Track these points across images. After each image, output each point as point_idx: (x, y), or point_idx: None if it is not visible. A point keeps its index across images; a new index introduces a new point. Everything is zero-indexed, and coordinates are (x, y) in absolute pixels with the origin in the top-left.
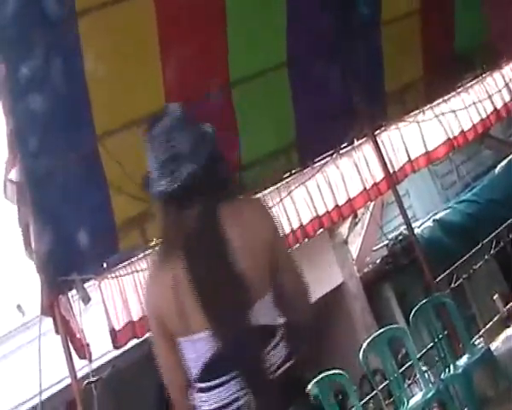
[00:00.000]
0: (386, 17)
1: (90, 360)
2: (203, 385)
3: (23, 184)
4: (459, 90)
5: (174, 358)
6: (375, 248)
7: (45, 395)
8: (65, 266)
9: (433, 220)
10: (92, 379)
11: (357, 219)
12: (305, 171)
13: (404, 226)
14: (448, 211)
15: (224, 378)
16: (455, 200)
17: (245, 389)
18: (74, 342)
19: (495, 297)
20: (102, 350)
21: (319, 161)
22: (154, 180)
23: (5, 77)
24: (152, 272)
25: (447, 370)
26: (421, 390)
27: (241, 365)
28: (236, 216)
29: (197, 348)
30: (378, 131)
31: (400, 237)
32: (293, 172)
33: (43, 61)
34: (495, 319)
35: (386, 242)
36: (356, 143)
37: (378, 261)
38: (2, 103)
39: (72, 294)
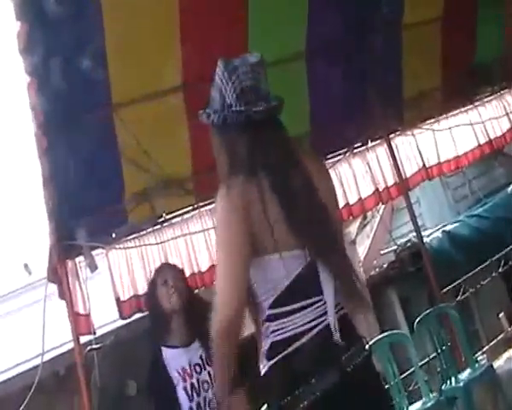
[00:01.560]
0: (407, 21)
1: (94, 333)
2: (283, 309)
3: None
4: (476, 103)
5: (245, 280)
6: (382, 252)
7: (47, 357)
8: (74, 231)
9: (443, 232)
10: (94, 346)
11: (366, 221)
12: None
13: (413, 234)
14: (458, 224)
15: (305, 302)
16: (465, 214)
17: (325, 315)
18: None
19: (500, 316)
20: (106, 320)
21: (332, 157)
22: (236, 109)
23: (28, 39)
24: (236, 191)
25: (448, 382)
26: (421, 398)
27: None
28: (309, 162)
29: (284, 267)
30: (393, 135)
31: (409, 244)
32: None
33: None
34: (499, 337)
35: (394, 247)
36: (370, 144)
37: (385, 266)
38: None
39: (80, 260)
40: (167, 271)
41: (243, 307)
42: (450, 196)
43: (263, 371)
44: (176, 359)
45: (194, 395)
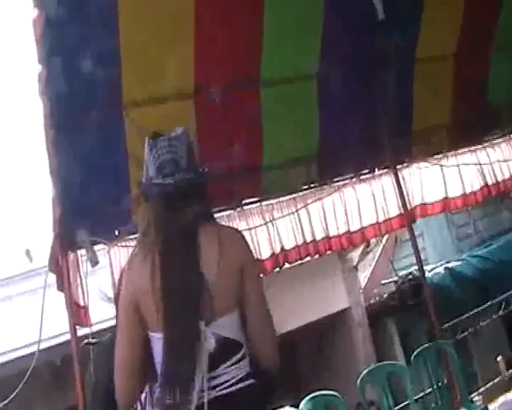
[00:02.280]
0: (420, 55)
1: (90, 326)
2: (164, 380)
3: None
4: (485, 144)
5: (138, 350)
6: (383, 282)
7: (44, 345)
8: (77, 225)
9: (445, 268)
10: (91, 341)
11: (368, 249)
12: (323, 187)
13: (415, 267)
14: (460, 262)
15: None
16: (468, 253)
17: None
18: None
19: (498, 359)
20: (104, 316)
21: (338, 181)
22: (151, 178)
23: (44, 28)
24: (132, 262)
25: None
26: None
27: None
28: (214, 236)
29: (160, 346)
30: (400, 167)
31: (410, 277)
32: (312, 185)
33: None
34: (496, 380)
35: (395, 278)
36: (376, 172)
37: (385, 295)
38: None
39: (81, 253)
40: None
41: (133, 376)
42: (455, 233)
43: None
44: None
45: None
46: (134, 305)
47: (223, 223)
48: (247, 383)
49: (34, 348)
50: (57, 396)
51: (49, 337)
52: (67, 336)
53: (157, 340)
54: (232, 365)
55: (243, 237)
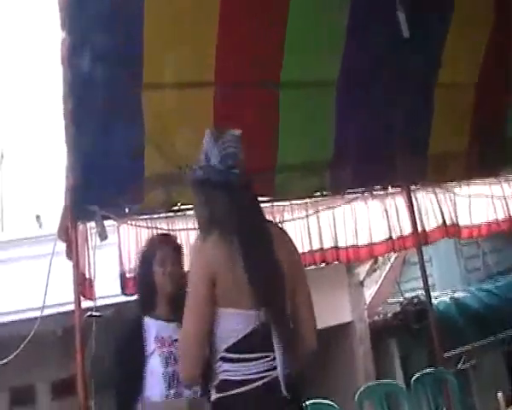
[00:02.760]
0: (442, 79)
1: (94, 298)
2: (235, 356)
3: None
4: (500, 178)
5: (208, 324)
6: (388, 301)
7: (46, 312)
8: (89, 197)
9: (451, 298)
10: (94, 313)
11: (376, 266)
12: (334, 197)
13: (421, 291)
14: (467, 294)
15: (257, 355)
16: (476, 286)
17: (272, 371)
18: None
19: (498, 395)
20: (108, 292)
21: (350, 193)
22: (214, 166)
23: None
24: (203, 242)
25: None
26: None
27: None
28: (277, 231)
29: (241, 322)
30: (413, 188)
31: (416, 300)
32: (324, 193)
33: None
34: None
35: (400, 299)
36: (390, 190)
37: (389, 315)
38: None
39: (91, 226)
40: (167, 251)
41: (203, 351)
42: (463, 264)
43: (212, 399)
44: (156, 328)
45: (171, 362)
46: (210, 280)
47: None
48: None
49: (37, 314)
50: (57, 365)
51: (52, 305)
52: (71, 307)
53: (229, 315)
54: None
55: (290, 236)
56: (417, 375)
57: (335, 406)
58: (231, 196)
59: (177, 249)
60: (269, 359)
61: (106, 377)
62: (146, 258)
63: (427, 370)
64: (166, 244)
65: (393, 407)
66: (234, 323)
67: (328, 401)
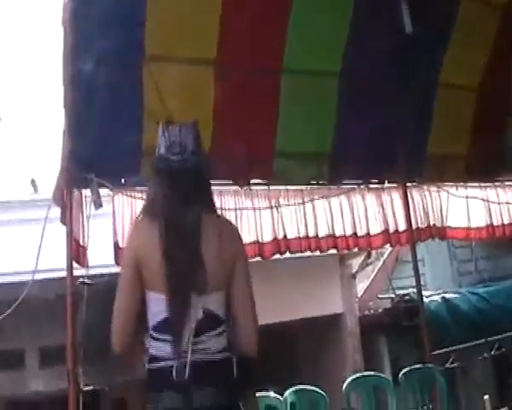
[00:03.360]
0: (444, 79)
1: (87, 266)
2: (157, 335)
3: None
4: (496, 183)
5: (134, 304)
6: (380, 296)
7: (38, 277)
8: (85, 164)
9: (442, 298)
10: (86, 280)
11: (369, 261)
12: (331, 187)
13: (412, 290)
14: (458, 296)
15: (169, 338)
16: (468, 289)
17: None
18: (74, 246)
19: (485, 397)
20: (101, 262)
21: (347, 184)
22: (161, 155)
23: None
24: (137, 223)
25: None
26: None
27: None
28: (215, 223)
29: (158, 305)
30: (409, 185)
31: (407, 298)
32: (321, 182)
33: None
34: None
35: (392, 295)
36: (386, 185)
37: (380, 310)
38: None
39: (86, 194)
40: None
41: (130, 326)
42: (456, 267)
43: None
44: None
45: None
46: (136, 262)
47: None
48: (226, 355)
49: (28, 278)
50: (47, 332)
51: (44, 270)
52: (63, 274)
53: (153, 298)
54: (214, 336)
55: (238, 230)
56: (405, 370)
57: (322, 393)
58: (167, 182)
59: None
60: (185, 343)
61: (95, 345)
62: None
63: (416, 366)
64: None
65: (380, 400)
66: (155, 305)
67: (318, 390)
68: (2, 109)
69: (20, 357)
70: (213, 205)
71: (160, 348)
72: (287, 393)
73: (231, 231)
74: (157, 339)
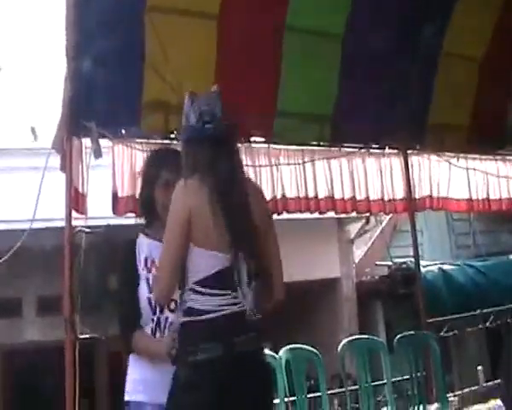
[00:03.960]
0: (448, 48)
1: (86, 214)
2: (202, 289)
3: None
4: (497, 157)
5: (180, 258)
6: (377, 263)
7: (36, 226)
8: (87, 113)
9: (439, 268)
10: (84, 229)
11: (367, 228)
12: (332, 149)
13: (409, 259)
14: (455, 268)
15: (221, 292)
16: (464, 262)
17: (232, 306)
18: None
19: (479, 368)
20: (99, 214)
21: (348, 147)
22: (192, 126)
23: None
24: (188, 184)
25: (415, 408)
26: None
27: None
28: (248, 184)
29: (211, 261)
30: (410, 152)
31: (404, 266)
32: (322, 144)
33: None
34: (473, 388)
35: (389, 263)
36: (386, 150)
37: (377, 277)
38: None
39: (86, 143)
40: (172, 168)
41: (175, 278)
42: (454, 240)
43: (180, 321)
44: (148, 247)
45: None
46: (187, 221)
47: None
48: (257, 304)
49: (26, 226)
50: (44, 281)
51: (43, 219)
52: (62, 223)
53: (200, 254)
54: (252, 288)
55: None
56: (400, 335)
57: (317, 353)
58: (208, 148)
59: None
60: (232, 296)
61: (93, 293)
62: (149, 177)
63: (411, 332)
64: (171, 160)
65: (374, 363)
66: (204, 261)
67: (309, 348)
68: (3, 58)
69: (18, 306)
70: (243, 168)
71: (204, 301)
72: (282, 351)
73: (261, 192)
74: (202, 293)
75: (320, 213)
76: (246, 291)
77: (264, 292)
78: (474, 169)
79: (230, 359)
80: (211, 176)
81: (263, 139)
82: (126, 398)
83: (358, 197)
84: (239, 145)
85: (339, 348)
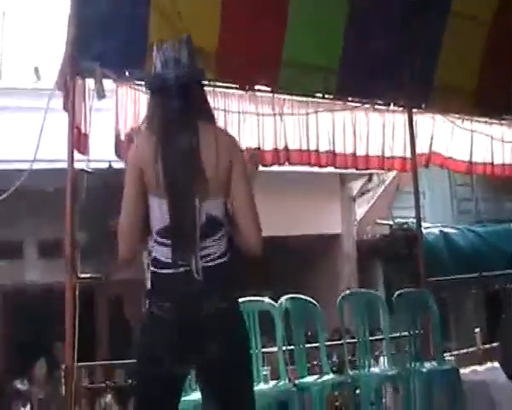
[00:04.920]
0: (456, 7)
1: (87, 154)
2: (162, 240)
3: None
4: (503, 121)
5: (139, 210)
6: (378, 221)
7: (38, 166)
8: (91, 52)
9: (440, 231)
10: (87, 169)
11: (369, 186)
12: (336, 102)
13: (411, 220)
14: (456, 231)
15: (171, 243)
16: (465, 226)
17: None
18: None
19: (476, 330)
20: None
21: (352, 101)
22: (158, 74)
23: None
24: (140, 132)
25: (412, 364)
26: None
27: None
28: (213, 133)
29: (162, 210)
30: (415, 111)
31: (405, 226)
32: (326, 97)
33: None
34: (470, 349)
35: (391, 222)
36: (391, 107)
37: (378, 236)
38: None
39: (89, 83)
40: None
41: (135, 230)
42: (456, 204)
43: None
44: None
45: None
46: (139, 170)
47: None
48: (226, 258)
49: (27, 166)
50: (46, 224)
51: (45, 160)
52: (64, 165)
53: (155, 203)
54: (215, 240)
55: (236, 139)
56: (399, 292)
57: (316, 303)
58: (164, 95)
59: None
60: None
61: (94, 235)
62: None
63: (410, 289)
64: None
65: (373, 317)
66: (158, 210)
67: (313, 301)
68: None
69: (19, 248)
70: (211, 116)
71: (164, 252)
72: (282, 299)
73: (229, 140)
74: (161, 243)
75: (320, 166)
76: (202, 245)
77: (232, 244)
78: (480, 132)
79: (185, 321)
80: (159, 123)
81: (268, 88)
82: None
83: (359, 153)
84: (205, 90)
85: (337, 301)
